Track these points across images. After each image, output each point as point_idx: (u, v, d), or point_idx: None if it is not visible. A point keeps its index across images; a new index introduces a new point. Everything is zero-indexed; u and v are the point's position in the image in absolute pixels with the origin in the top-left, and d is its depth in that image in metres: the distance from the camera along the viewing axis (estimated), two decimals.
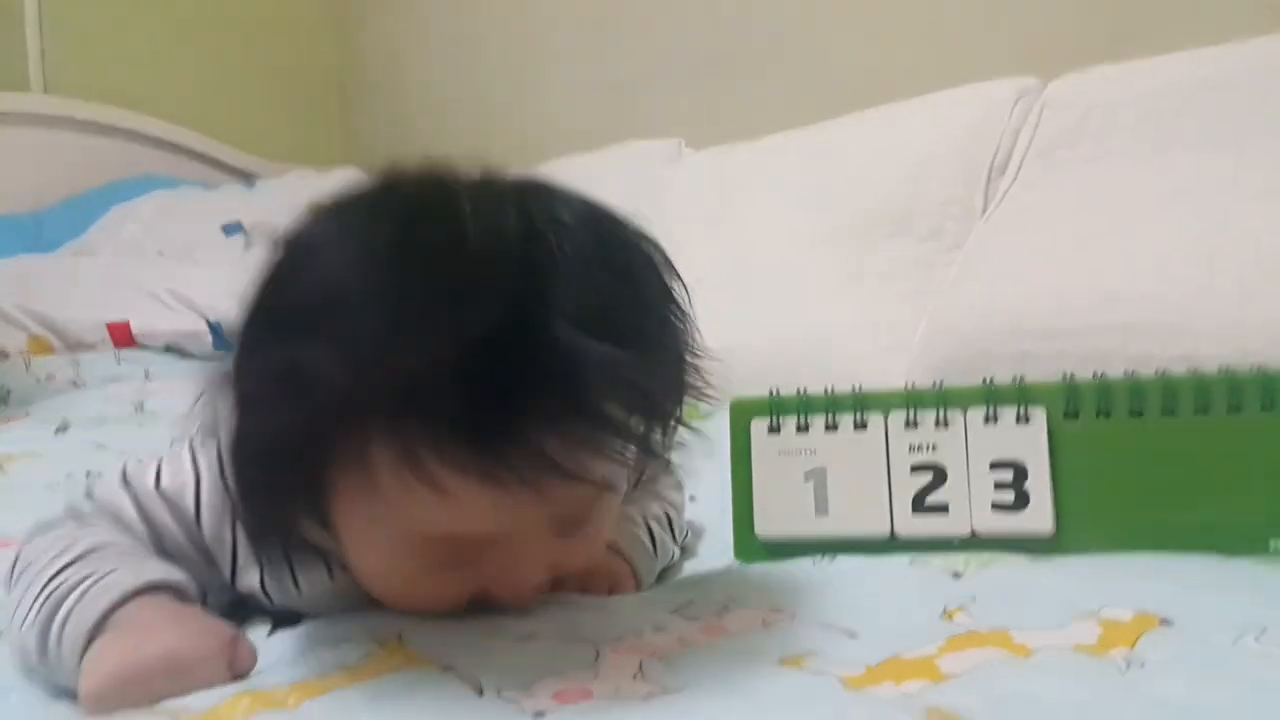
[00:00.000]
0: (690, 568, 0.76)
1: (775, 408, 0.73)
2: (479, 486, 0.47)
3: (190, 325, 1.82)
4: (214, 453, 0.60)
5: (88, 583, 0.53)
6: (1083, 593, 0.58)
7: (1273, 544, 0.66)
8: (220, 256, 1.93)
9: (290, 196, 2.19)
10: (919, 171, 1.21)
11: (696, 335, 0.57)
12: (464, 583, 0.55)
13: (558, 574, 0.57)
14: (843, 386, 0.74)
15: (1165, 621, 0.54)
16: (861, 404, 0.72)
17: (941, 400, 0.71)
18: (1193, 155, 0.97)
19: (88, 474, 1.02)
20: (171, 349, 1.81)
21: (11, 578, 0.58)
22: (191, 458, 0.62)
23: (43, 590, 0.54)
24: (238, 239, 1.99)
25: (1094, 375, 0.70)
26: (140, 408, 1.40)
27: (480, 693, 0.47)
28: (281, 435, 0.49)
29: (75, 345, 1.75)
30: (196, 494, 0.60)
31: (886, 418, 0.71)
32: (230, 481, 0.55)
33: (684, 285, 0.56)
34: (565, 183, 0.55)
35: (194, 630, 0.52)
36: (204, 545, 0.59)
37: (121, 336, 1.77)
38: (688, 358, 0.56)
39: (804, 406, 0.73)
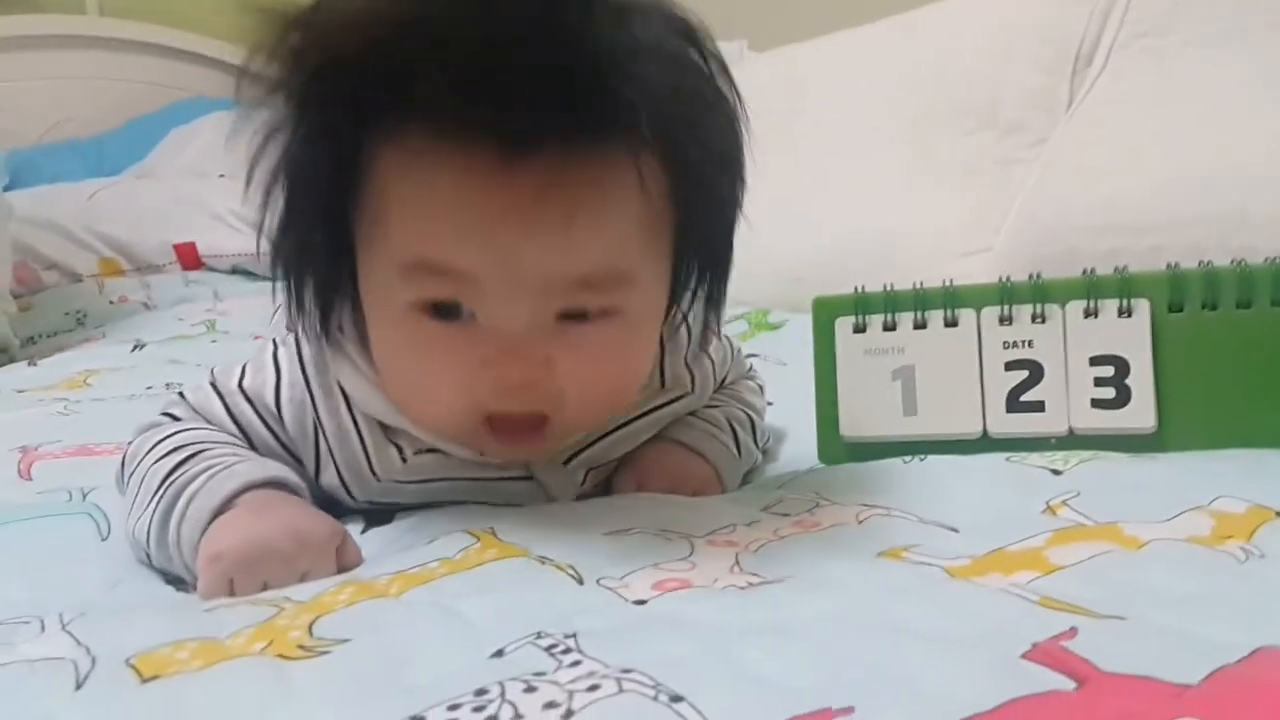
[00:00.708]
0: (772, 471, 0.75)
1: (861, 305, 0.71)
2: (480, 184, 0.47)
3: (254, 246, 1.83)
4: (294, 347, 0.61)
5: (213, 470, 0.55)
6: (1191, 486, 0.56)
7: None
8: None
9: None
10: (999, 61, 1.15)
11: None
12: (460, 361, 0.52)
13: (554, 378, 0.53)
14: (929, 280, 0.72)
15: None
16: (953, 299, 0.70)
17: (1039, 294, 0.68)
18: None
19: (167, 386, 1.04)
20: (238, 270, 1.82)
21: (122, 476, 0.60)
22: (273, 356, 0.62)
23: (165, 481, 0.56)
24: None
25: (1199, 264, 0.67)
26: (212, 326, 1.42)
27: (580, 581, 0.47)
28: (296, 161, 0.51)
29: (144, 267, 1.77)
30: (276, 390, 0.60)
31: (979, 314, 0.69)
32: (278, 268, 0.56)
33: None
34: None
35: (311, 515, 0.54)
36: (289, 439, 0.60)
37: (189, 258, 1.79)
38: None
39: (891, 304, 0.71)
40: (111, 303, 1.61)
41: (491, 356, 0.51)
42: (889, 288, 0.71)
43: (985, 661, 0.38)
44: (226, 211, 1.84)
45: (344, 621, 0.44)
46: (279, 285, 0.57)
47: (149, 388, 1.04)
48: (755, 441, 0.73)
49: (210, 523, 0.53)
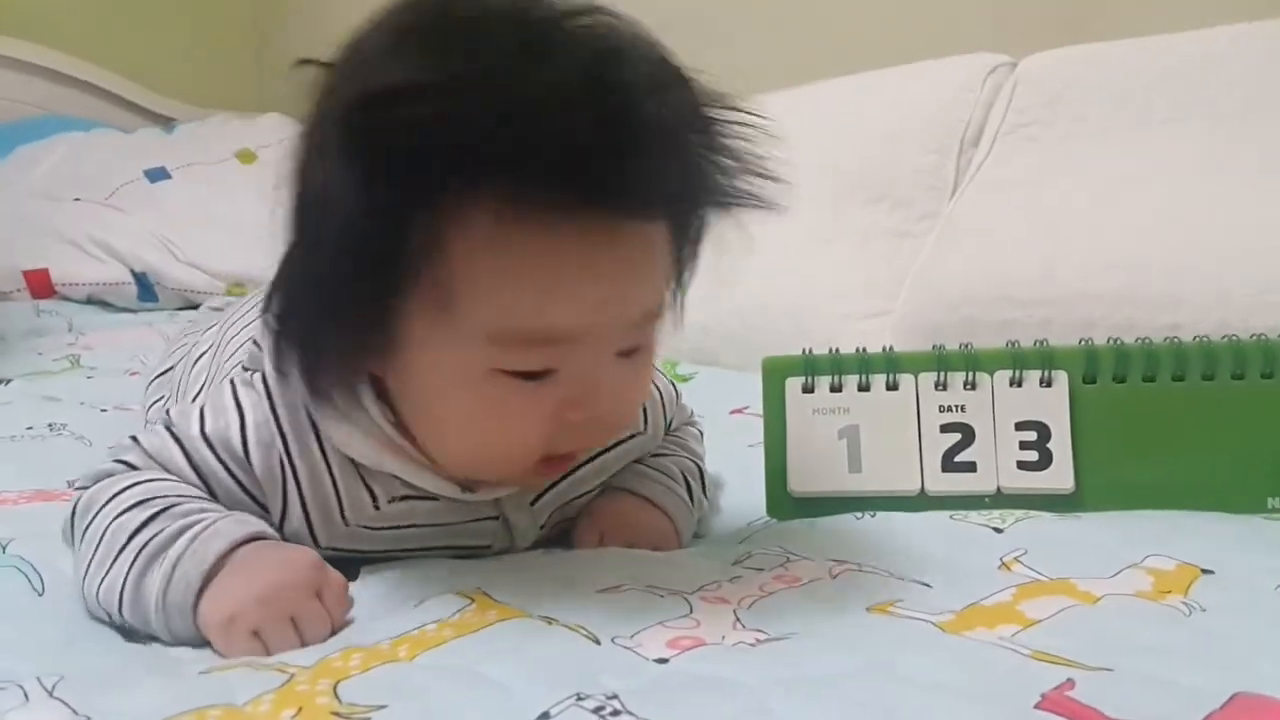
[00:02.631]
0: (717, 521, 0.77)
1: (809, 367, 0.74)
2: (576, 247, 0.49)
3: (114, 275, 1.73)
4: (261, 386, 0.59)
5: (194, 530, 0.53)
6: (1120, 545, 0.61)
7: (1270, 502, 0.71)
8: (143, 203, 1.83)
9: (215, 141, 2.10)
10: (892, 141, 1.23)
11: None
12: (541, 413, 0.52)
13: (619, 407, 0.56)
14: (853, 345, 0.76)
15: (1207, 571, 0.57)
16: (893, 365, 0.74)
17: (970, 363, 0.73)
18: (1164, 135, 1.02)
19: (50, 426, 0.97)
20: (94, 300, 1.71)
21: (72, 527, 0.56)
22: (234, 396, 0.59)
23: (132, 538, 0.53)
24: (162, 185, 1.88)
25: (1110, 341, 0.74)
26: (76, 361, 1.33)
27: (597, 641, 0.47)
28: (353, 232, 0.48)
29: None
30: (242, 432, 0.58)
31: (917, 378, 0.74)
32: (292, 330, 0.55)
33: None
34: None
35: (308, 560, 0.54)
36: (254, 485, 0.58)
37: (40, 285, 1.67)
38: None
39: (837, 366, 0.74)
40: None
41: (577, 398, 0.52)
42: (835, 351, 0.75)
43: (1004, 712, 0.41)
44: (83, 238, 1.73)
45: (367, 686, 0.43)
46: (287, 342, 0.55)
47: (29, 428, 0.96)
48: (705, 491, 0.75)
49: (203, 586, 0.51)
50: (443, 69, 0.48)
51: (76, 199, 1.83)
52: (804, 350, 0.75)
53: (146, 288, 1.74)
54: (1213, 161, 0.98)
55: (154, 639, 0.52)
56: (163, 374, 0.95)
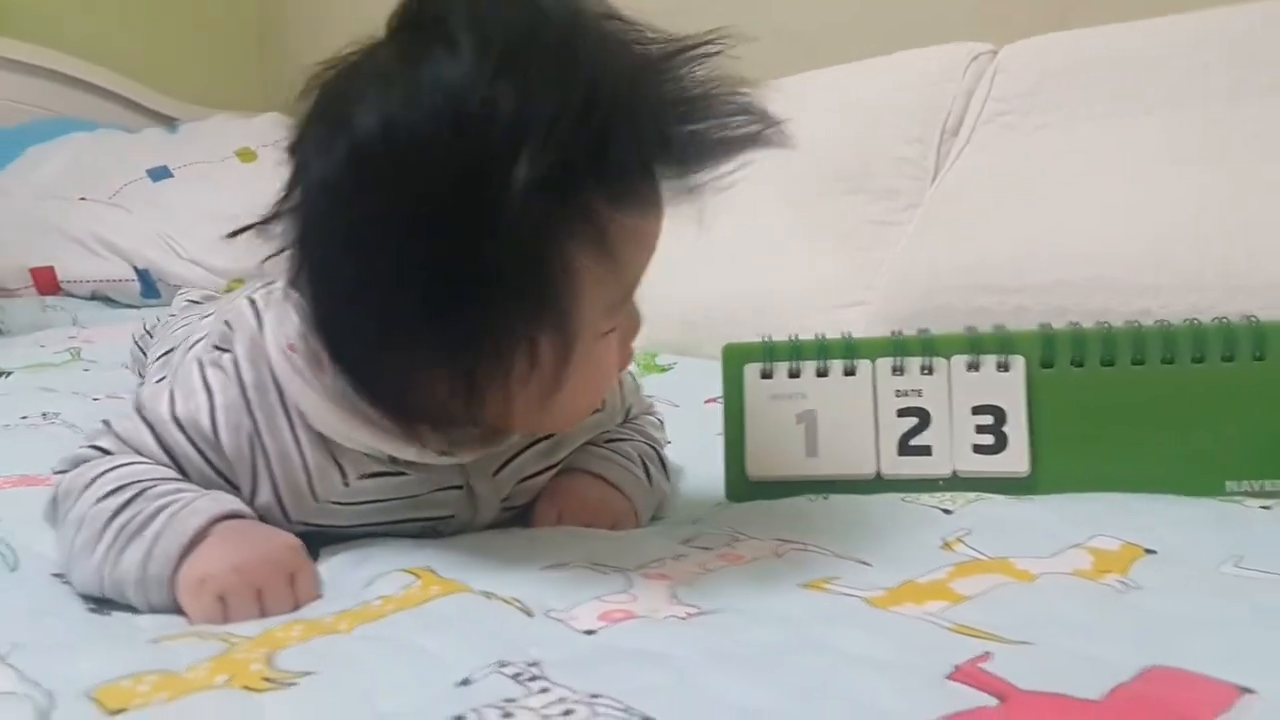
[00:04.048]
0: (676, 506, 0.78)
1: (768, 353, 0.75)
2: (655, 209, 0.56)
3: (118, 272, 1.76)
4: (231, 367, 0.60)
5: (171, 508, 0.55)
6: (1067, 526, 0.62)
7: (1228, 485, 0.71)
8: (146, 202, 1.86)
9: (216, 141, 2.14)
10: (872, 131, 1.24)
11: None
12: (615, 354, 0.60)
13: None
14: (805, 328, 0.77)
15: (1150, 551, 0.58)
16: (851, 350, 0.75)
17: (927, 348, 0.74)
18: (1142, 122, 1.02)
19: (44, 415, 0.99)
20: (97, 296, 1.74)
21: (55, 513, 0.59)
22: (202, 377, 0.61)
23: (110, 521, 0.55)
24: (165, 183, 1.91)
25: (1069, 325, 0.75)
26: (77, 354, 1.36)
27: (529, 614, 0.49)
28: (469, 263, 0.50)
29: None
30: (212, 413, 0.60)
31: (874, 364, 0.74)
32: (365, 364, 0.56)
33: None
34: None
35: (287, 542, 0.56)
36: (225, 465, 0.60)
37: (46, 282, 1.70)
38: None
39: (796, 352, 0.75)
40: None
41: (627, 336, 0.61)
42: (794, 337, 0.76)
43: (915, 682, 0.42)
44: (88, 236, 1.76)
45: (302, 655, 0.44)
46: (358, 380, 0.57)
47: (24, 417, 0.99)
48: (665, 476, 0.76)
49: (181, 558, 0.53)
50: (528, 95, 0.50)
51: (82, 198, 1.86)
52: (763, 337, 0.76)
53: (149, 284, 1.77)
54: (1189, 148, 0.98)
55: (122, 609, 0.54)
56: (165, 355, 0.97)
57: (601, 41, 0.53)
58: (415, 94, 0.50)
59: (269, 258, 0.58)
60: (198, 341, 0.83)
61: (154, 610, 0.53)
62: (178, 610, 0.53)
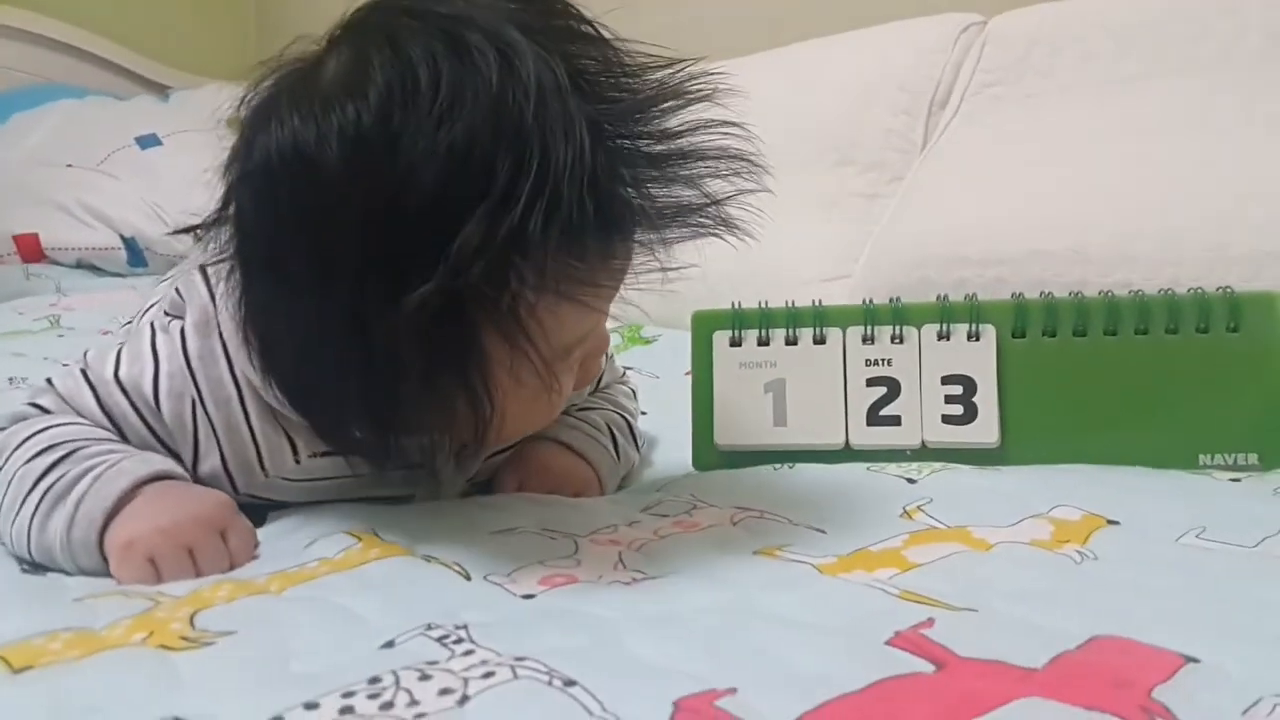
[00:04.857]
0: (648, 476, 0.77)
1: (737, 321, 0.74)
2: (606, 276, 0.53)
3: (104, 240, 1.74)
4: (177, 336, 0.59)
5: (97, 470, 0.54)
6: (1031, 496, 0.61)
7: (1201, 458, 0.70)
8: (134, 169, 1.84)
9: (208, 110, 2.10)
10: (861, 103, 1.22)
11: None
12: (574, 375, 0.59)
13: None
14: (802, 302, 0.76)
15: (1112, 522, 0.57)
16: (821, 319, 0.74)
17: (897, 316, 0.73)
18: (1129, 91, 1.00)
19: (9, 380, 0.98)
20: (83, 264, 1.73)
21: None
22: (151, 344, 0.60)
23: (38, 482, 0.54)
24: (154, 151, 1.90)
25: (1041, 295, 0.73)
26: (56, 322, 1.35)
27: (468, 578, 0.48)
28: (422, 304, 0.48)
29: None
30: (155, 381, 0.59)
31: (844, 332, 0.73)
32: (316, 397, 0.55)
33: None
34: None
35: (204, 491, 0.56)
36: (165, 432, 0.58)
37: (30, 249, 1.69)
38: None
39: (765, 320, 0.74)
40: None
41: (591, 354, 0.60)
42: (764, 304, 0.74)
43: (855, 647, 0.41)
44: (74, 203, 1.75)
45: (226, 615, 0.43)
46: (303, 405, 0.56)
47: None
48: (634, 445, 0.75)
49: (106, 522, 0.52)
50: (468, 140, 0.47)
51: (69, 165, 1.84)
52: (733, 304, 0.75)
53: (136, 253, 1.75)
54: (1173, 118, 0.96)
55: (57, 571, 0.53)
56: (125, 326, 0.96)
57: (551, 95, 0.48)
58: (328, 132, 0.48)
59: (212, 261, 0.58)
60: (151, 306, 0.82)
61: (85, 575, 0.52)
62: (109, 575, 0.52)
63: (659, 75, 0.53)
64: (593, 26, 0.54)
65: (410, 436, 0.55)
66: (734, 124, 0.55)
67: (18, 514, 0.54)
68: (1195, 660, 0.40)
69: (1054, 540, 0.55)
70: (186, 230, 0.60)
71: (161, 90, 2.25)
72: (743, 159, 0.55)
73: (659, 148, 0.52)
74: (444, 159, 0.47)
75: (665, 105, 0.53)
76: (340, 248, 0.48)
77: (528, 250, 0.48)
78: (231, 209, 0.53)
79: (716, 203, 0.55)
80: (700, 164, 0.53)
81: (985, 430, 0.71)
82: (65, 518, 0.53)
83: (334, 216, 0.48)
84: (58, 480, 0.54)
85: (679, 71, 0.54)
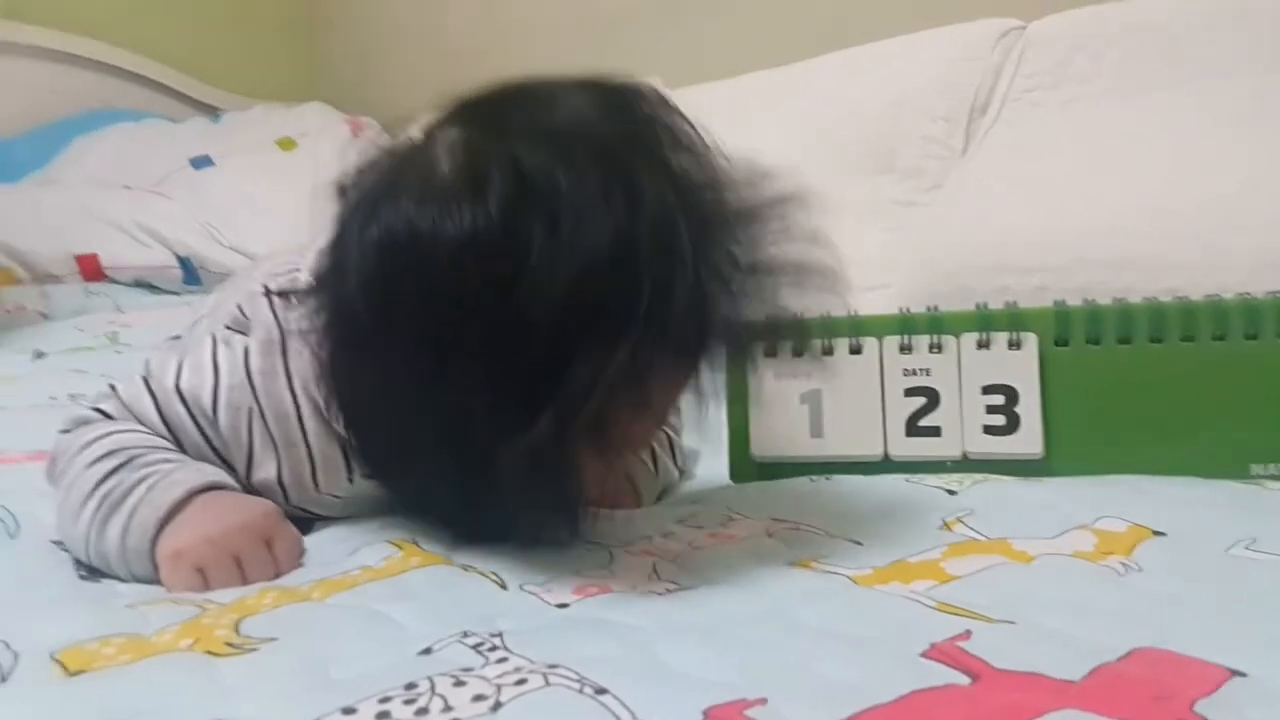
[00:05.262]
0: (685, 487, 0.77)
1: None
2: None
3: (160, 259, 1.79)
4: (239, 350, 0.61)
5: (152, 480, 0.55)
6: (1076, 507, 0.60)
7: (1253, 468, 0.68)
8: (188, 190, 1.89)
9: (258, 130, 2.16)
10: (900, 110, 1.21)
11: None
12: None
13: None
14: (837, 312, 0.75)
15: (1159, 533, 0.56)
16: (857, 328, 0.73)
17: (935, 325, 0.72)
18: (1173, 94, 0.99)
19: (71, 397, 1.01)
20: (141, 283, 1.77)
21: (54, 470, 0.60)
22: (213, 356, 0.61)
23: (96, 487, 0.56)
24: (207, 172, 1.94)
25: (1085, 302, 0.72)
26: (114, 339, 1.38)
27: (504, 587, 0.48)
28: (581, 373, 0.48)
29: (43, 277, 1.71)
30: (215, 393, 0.60)
31: (881, 342, 0.73)
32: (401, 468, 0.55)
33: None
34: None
35: (263, 509, 0.56)
36: (220, 442, 0.60)
37: (90, 269, 1.74)
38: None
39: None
40: (8, 311, 1.56)
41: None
42: (799, 314, 0.74)
43: (888, 658, 0.41)
44: (131, 224, 1.79)
45: (270, 622, 0.44)
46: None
47: (52, 398, 1.01)
48: (674, 461, 0.75)
49: (159, 531, 0.53)
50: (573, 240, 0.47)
51: (126, 187, 1.89)
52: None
53: (190, 271, 1.80)
54: (1218, 122, 0.94)
55: (111, 577, 0.55)
56: (173, 339, 0.99)
57: (667, 225, 0.49)
58: (447, 230, 0.47)
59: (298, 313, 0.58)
60: (201, 319, 0.84)
61: (139, 581, 0.53)
62: (160, 582, 0.53)
63: (744, 186, 0.54)
64: (691, 127, 0.54)
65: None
66: (813, 237, 0.57)
67: (79, 518, 0.56)
68: (1242, 674, 0.39)
69: (1097, 552, 0.54)
70: (282, 295, 0.62)
71: (213, 112, 2.30)
72: (823, 272, 0.57)
73: (748, 260, 0.52)
74: (563, 288, 0.46)
75: (754, 219, 0.53)
76: (446, 354, 0.48)
77: (637, 383, 0.48)
78: (330, 277, 0.53)
79: (799, 321, 0.57)
80: (784, 276, 0.54)
81: (1029, 441, 0.70)
82: (121, 525, 0.54)
83: (445, 318, 0.48)
84: (115, 488, 0.55)
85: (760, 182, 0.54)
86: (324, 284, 0.54)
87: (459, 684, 0.38)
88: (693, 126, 0.54)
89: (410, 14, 2.26)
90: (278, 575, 0.53)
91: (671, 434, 0.77)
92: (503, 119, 0.52)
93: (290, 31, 2.54)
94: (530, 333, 0.47)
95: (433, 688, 0.37)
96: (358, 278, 0.50)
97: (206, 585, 0.51)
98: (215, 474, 0.57)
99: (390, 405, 0.51)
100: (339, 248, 0.52)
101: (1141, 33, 1.04)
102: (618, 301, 0.47)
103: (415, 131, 0.53)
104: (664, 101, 0.54)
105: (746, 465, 0.73)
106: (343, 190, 0.53)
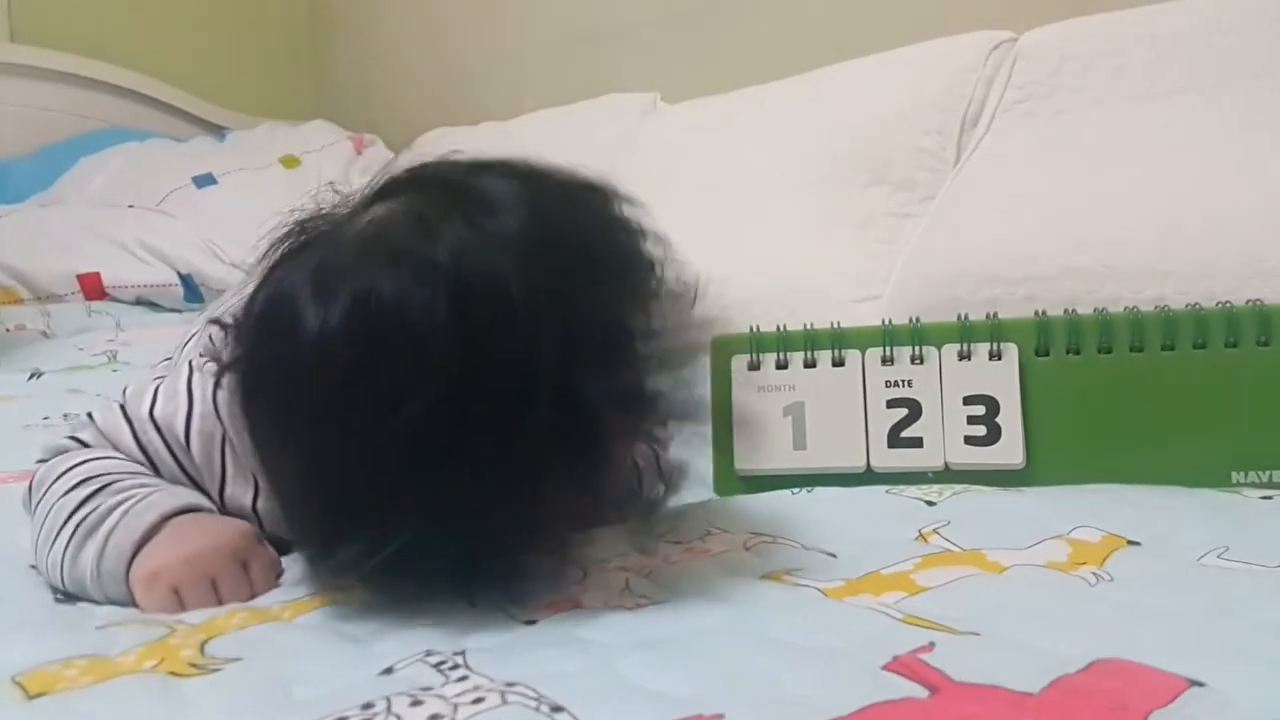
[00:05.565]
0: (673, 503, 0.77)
1: (755, 344, 0.74)
2: None
3: (162, 278, 1.80)
4: (210, 379, 0.61)
5: (127, 504, 0.56)
6: (1052, 517, 0.60)
7: (1234, 476, 0.68)
8: (191, 208, 1.91)
9: (262, 148, 2.17)
10: (892, 123, 1.21)
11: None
12: None
13: None
14: (821, 324, 0.76)
15: (1133, 543, 0.56)
16: (839, 341, 0.74)
17: (917, 337, 0.73)
18: (1164, 106, 0.99)
19: (65, 417, 1.02)
20: (142, 301, 1.79)
21: (30, 500, 0.60)
22: (188, 383, 0.62)
23: (73, 513, 0.56)
24: (209, 190, 1.96)
25: (1065, 312, 0.72)
26: (113, 357, 1.39)
27: (474, 604, 0.48)
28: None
29: (45, 296, 1.73)
30: (187, 421, 0.61)
31: (864, 354, 0.73)
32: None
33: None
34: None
35: (238, 530, 0.56)
36: (194, 469, 0.61)
37: (92, 288, 1.75)
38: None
39: (783, 343, 0.74)
40: (8, 330, 1.57)
41: None
42: (782, 328, 0.75)
43: (848, 671, 0.41)
44: (133, 242, 1.81)
45: (236, 642, 0.45)
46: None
47: (45, 418, 1.02)
48: (660, 474, 0.75)
49: (134, 554, 0.54)
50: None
51: (130, 205, 1.91)
52: (751, 328, 0.75)
53: (192, 289, 1.81)
54: (1210, 132, 0.94)
55: (89, 601, 0.55)
56: (165, 361, 1.00)
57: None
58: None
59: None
60: (189, 340, 0.85)
61: (114, 605, 0.54)
62: (135, 605, 0.53)
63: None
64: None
65: None
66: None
67: (53, 544, 0.56)
68: (1200, 684, 0.39)
69: (1070, 562, 0.54)
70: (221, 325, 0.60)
71: (219, 131, 2.32)
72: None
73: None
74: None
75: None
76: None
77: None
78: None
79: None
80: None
81: (1009, 451, 0.70)
82: (96, 549, 0.55)
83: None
84: (91, 513, 0.56)
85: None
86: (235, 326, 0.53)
87: (416, 703, 0.38)
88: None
89: (412, 33, 2.27)
90: (253, 596, 0.53)
91: (658, 448, 0.77)
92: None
93: (294, 51, 2.57)
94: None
95: (389, 707, 0.38)
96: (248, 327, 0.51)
97: (182, 606, 0.52)
98: (191, 496, 0.58)
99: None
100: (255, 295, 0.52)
101: (1133, 43, 1.04)
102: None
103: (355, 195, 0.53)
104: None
105: (730, 478, 0.73)
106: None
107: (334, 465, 0.46)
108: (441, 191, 0.51)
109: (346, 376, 0.46)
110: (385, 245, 0.48)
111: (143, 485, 0.58)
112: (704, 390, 0.73)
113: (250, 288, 0.53)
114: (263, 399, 0.50)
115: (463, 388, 0.45)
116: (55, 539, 0.56)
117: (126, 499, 0.56)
